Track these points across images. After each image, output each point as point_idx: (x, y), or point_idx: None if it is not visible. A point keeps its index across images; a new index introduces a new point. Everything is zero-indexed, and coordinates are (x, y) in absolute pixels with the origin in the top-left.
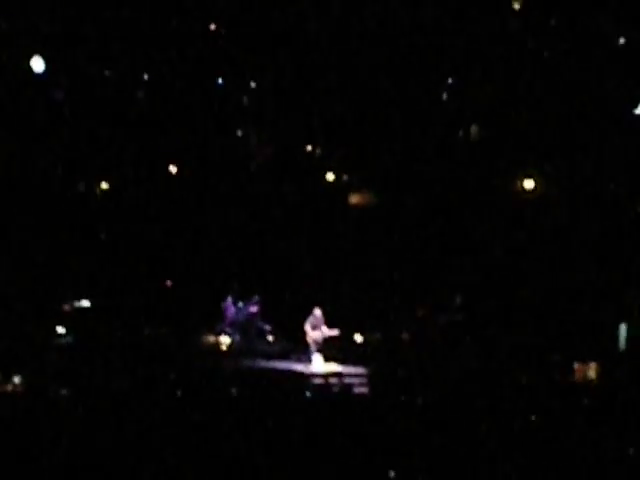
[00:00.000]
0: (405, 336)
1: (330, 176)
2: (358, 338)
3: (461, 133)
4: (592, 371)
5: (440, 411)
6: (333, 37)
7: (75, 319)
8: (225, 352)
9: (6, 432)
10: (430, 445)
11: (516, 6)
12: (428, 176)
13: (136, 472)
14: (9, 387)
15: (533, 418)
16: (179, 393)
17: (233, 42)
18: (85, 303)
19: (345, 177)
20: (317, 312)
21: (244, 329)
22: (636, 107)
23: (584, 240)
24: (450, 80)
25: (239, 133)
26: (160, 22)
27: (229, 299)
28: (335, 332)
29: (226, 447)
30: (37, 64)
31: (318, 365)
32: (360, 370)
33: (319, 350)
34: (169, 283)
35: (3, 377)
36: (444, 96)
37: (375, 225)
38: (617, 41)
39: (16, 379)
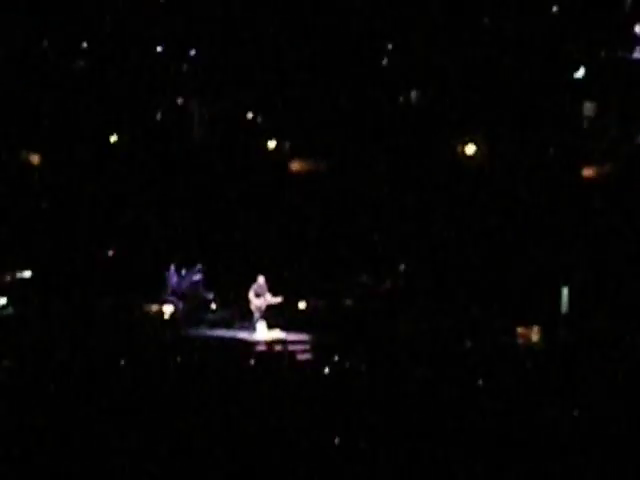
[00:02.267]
0: (348, 302)
1: (271, 144)
2: (301, 305)
3: (401, 99)
4: (535, 335)
5: (384, 377)
6: (271, 3)
7: (16, 290)
8: (168, 321)
9: None
10: (374, 411)
11: None
12: (369, 142)
13: (77, 442)
14: None
15: (479, 382)
16: (122, 362)
17: (172, 9)
18: (26, 273)
19: (286, 144)
20: (260, 280)
21: (187, 298)
22: (576, 71)
23: (525, 204)
24: (390, 46)
25: (179, 101)
26: None
27: (172, 268)
28: (279, 299)
29: (171, 416)
30: None
31: (262, 332)
32: (304, 337)
33: (263, 317)
34: (112, 252)
35: None
36: (384, 61)
37: (317, 192)
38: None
39: None
